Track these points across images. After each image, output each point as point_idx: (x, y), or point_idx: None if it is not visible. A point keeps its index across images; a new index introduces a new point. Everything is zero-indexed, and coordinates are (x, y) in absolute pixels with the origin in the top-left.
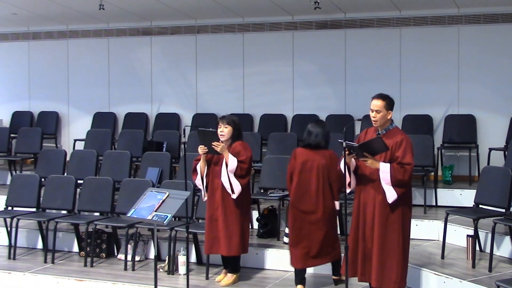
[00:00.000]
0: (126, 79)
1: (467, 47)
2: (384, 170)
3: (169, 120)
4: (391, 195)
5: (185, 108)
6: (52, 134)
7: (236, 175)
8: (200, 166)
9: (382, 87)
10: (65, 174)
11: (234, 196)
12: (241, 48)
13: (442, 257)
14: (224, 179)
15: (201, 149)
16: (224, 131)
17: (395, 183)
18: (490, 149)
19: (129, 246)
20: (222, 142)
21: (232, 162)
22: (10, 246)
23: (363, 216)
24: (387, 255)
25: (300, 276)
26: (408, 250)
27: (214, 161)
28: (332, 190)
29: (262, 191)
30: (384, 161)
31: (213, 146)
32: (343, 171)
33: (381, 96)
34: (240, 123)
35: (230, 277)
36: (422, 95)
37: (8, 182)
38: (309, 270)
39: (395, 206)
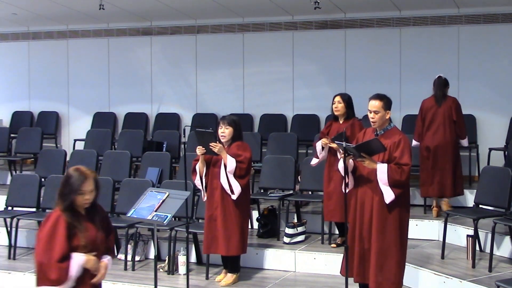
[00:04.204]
0: (126, 79)
1: (467, 47)
2: (381, 170)
3: (169, 120)
4: (389, 195)
5: (185, 108)
6: (52, 134)
7: (236, 175)
8: (199, 167)
9: (382, 87)
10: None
11: (234, 197)
12: (241, 48)
13: (442, 257)
14: (223, 180)
15: (199, 150)
16: (225, 132)
17: (392, 184)
18: (490, 149)
19: (129, 246)
20: (222, 142)
21: (230, 163)
22: (10, 246)
23: (360, 217)
24: (385, 257)
25: None
26: (406, 251)
27: (213, 162)
28: None
29: (262, 191)
30: (382, 161)
31: (210, 147)
32: (341, 172)
33: (378, 96)
34: (241, 123)
35: (230, 277)
36: (422, 95)
37: (8, 182)
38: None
39: (393, 206)
